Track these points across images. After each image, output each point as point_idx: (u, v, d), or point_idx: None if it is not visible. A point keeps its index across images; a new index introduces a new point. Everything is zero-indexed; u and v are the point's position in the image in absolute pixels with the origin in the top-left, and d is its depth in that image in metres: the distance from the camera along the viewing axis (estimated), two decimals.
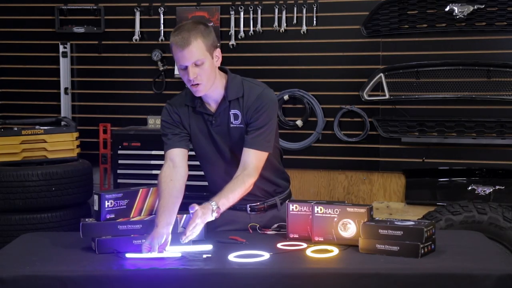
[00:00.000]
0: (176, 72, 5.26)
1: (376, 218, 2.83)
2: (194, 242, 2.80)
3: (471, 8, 4.77)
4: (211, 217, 2.76)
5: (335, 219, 2.81)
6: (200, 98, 3.00)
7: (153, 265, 2.56)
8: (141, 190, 2.86)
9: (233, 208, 3.08)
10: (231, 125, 3.01)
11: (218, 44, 2.95)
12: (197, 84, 2.88)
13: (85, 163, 4.91)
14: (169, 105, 3.08)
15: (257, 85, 3.03)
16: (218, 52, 2.92)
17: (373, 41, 5.01)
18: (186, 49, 2.82)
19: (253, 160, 2.93)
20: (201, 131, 3.05)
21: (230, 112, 3.00)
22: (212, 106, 3.02)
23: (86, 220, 2.78)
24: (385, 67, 4.95)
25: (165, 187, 2.87)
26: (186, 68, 2.85)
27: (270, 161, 3.05)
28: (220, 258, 2.65)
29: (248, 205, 3.11)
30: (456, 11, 4.79)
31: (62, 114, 5.38)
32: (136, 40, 5.35)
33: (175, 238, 2.73)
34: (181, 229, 2.83)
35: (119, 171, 4.95)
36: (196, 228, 2.71)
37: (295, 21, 5.13)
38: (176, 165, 2.96)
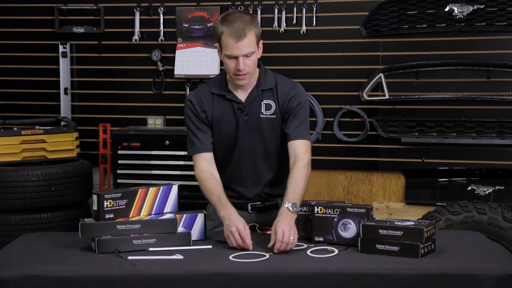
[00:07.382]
0: (176, 72, 5.26)
1: (376, 218, 2.83)
2: (194, 242, 2.81)
3: (471, 8, 4.77)
4: (295, 215, 2.83)
5: (335, 219, 2.81)
6: (228, 86, 3.04)
7: (153, 265, 2.56)
8: (140, 190, 2.86)
9: (234, 207, 3.09)
10: (262, 116, 3.05)
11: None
12: (244, 74, 2.94)
13: (84, 163, 4.91)
14: (194, 94, 3.10)
15: (288, 79, 3.14)
16: (261, 44, 3.01)
17: (373, 41, 5.01)
18: (242, 41, 2.88)
19: (303, 149, 3.02)
20: (225, 120, 3.06)
21: (263, 102, 3.05)
22: (242, 96, 3.06)
23: (85, 220, 2.78)
24: (385, 67, 4.94)
25: (212, 183, 2.96)
26: (235, 57, 2.90)
27: (286, 164, 3.09)
28: (220, 258, 2.65)
29: (249, 204, 3.12)
30: (456, 11, 4.79)
31: (62, 114, 5.37)
32: (135, 40, 5.35)
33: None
34: (181, 229, 2.83)
35: (118, 171, 4.93)
36: (292, 244, 2.75)
37: (294, 21, 5.12)
38: (210, 163, 3.04)
